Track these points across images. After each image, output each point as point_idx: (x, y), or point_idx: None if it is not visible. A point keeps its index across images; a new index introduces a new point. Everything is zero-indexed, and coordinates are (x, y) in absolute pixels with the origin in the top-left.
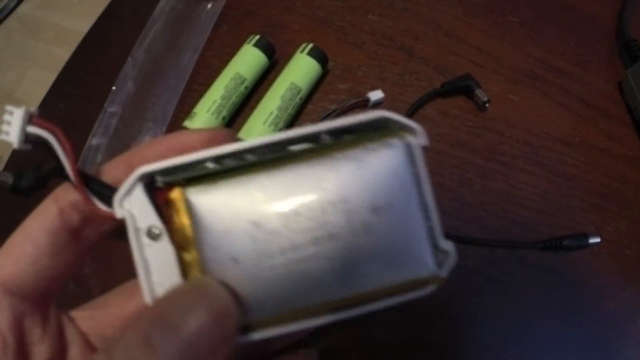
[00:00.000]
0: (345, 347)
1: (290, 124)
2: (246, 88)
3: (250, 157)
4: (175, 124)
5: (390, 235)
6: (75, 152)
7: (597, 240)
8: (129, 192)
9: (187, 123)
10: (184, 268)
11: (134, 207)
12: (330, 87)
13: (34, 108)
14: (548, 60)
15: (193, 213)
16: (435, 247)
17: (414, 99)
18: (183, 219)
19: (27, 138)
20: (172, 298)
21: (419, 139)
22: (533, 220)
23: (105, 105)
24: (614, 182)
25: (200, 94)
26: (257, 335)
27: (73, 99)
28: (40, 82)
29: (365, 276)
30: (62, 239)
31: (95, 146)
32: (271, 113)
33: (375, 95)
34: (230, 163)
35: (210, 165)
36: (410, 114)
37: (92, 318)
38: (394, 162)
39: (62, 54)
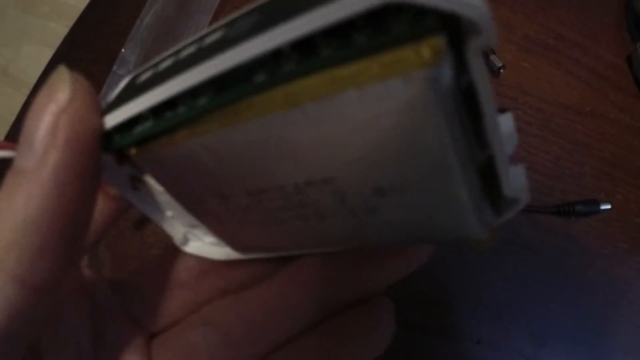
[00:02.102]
0: None
1: None
2: None
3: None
4: None
5: (410, 212)
6: None
7: (608, 207)
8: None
9: None
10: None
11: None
12: None
13: None
14: (559, 31)
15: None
16: (491, 200)
17: None
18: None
19: None
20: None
21: (479, 36)
22: (546, 185)
23: (114, 68)
24: (623, 152)
25: None
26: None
27: (81, 63)
28: (35, 57)
29: (378, 240)
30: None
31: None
32: None
33: None
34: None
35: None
36: None
37: None
38: (426, 115)
39: (58, 29)
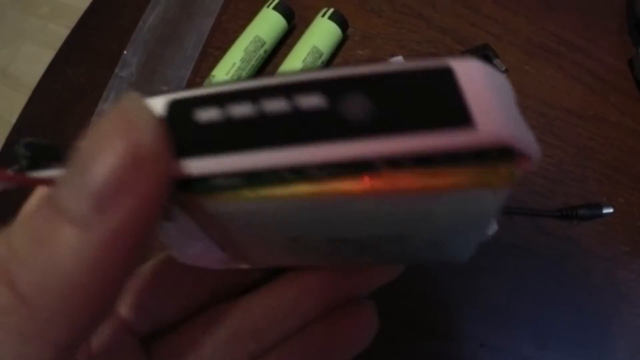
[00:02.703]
0: None
1: None
2: (265, 51)
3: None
4: None
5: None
6: (86, 116)
7: (610, 210)
8: None
9: None
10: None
11: None
12: (350, 53)
13: None
14: (561, 35)
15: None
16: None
17: None
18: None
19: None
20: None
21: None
22: (549, 189)
23: (117, 70)
24: (625, 156)
25: (216, 58)
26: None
27: (82, 65)
28: (34, 58)
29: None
30: None
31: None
32: None
33: (397, 61)
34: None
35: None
36: None
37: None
38: (486, 207)
39: (58, 30)
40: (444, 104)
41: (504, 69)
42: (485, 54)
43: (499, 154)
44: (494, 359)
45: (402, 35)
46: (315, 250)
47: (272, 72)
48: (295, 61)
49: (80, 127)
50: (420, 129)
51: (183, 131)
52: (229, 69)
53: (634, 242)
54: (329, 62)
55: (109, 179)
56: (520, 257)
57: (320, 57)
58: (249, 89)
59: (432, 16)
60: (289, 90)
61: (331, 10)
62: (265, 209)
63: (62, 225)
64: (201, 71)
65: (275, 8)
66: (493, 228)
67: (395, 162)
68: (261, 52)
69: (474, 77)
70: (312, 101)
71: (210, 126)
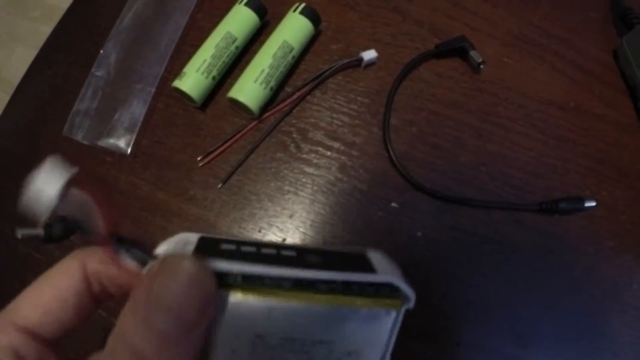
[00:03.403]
0: None
1: (282, 83)
2: (237, 47)
3: (267, 283)
4: (164, 86)
5: None
6: (63, 115)
7: (593, 204)
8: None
9: (177, 83)
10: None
11: None
12: (323, 48)
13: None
14: (543, 26)
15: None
16: None
17: (407, 60)
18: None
19: (67, 198)
20: (152, 277)
21: (409, 304)
22: (529, 182)
23: (93, 69)
24: (609, 148)
25: (190, 56)
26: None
27: (60, 65)
28: (27, 61)
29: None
30: (85, 301)
31: (83, 110)
32: (262, 71)
33: (369, 55)
34: (267, 281)
35: (239, 280)
36: (403, 75)
37: None
38: (384, 328)
39: (49, 32)
40: (361, 263)
41: (480, 60)
42: (461, 45)
43: (389, 290)
44: (471, 358)
45: (376, 29)
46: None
47: (243, 68)
48: (265, 56)
49: (59, 126)
50: (347, 270)
51: (208, 252)
52: (199, 65)
53: (618, 237)
54: (301, 57)
55: (193, 315)
56: (499, 253)
57: (290, 51)
58: (256, 242)
59: (408, 9)
60: (277, 247)
61: (303, 5)
62: (250, 303)
63: (165, 344)
64: (175, 68)
65: (247, 4)
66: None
67: (331, 283)
68: (232, 48)
69: (377, 256)
70: (289, 253)
71: (234, 252)
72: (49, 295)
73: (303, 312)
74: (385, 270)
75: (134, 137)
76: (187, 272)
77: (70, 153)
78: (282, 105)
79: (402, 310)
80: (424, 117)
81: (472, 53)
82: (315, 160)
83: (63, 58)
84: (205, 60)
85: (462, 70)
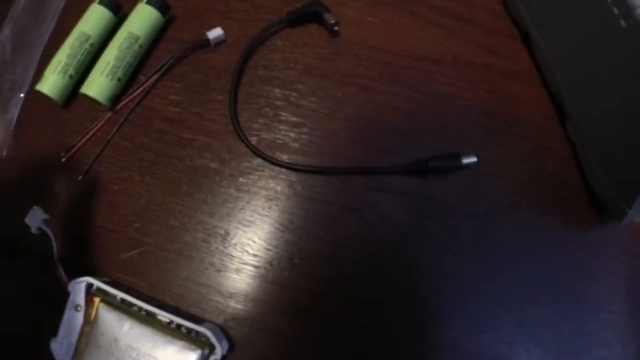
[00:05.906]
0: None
1: (132, 72)
2: (92, 45)
3: (134, 308)
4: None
5: None
6: None
7: (474, 159)
8: (79, 283)
9: (38, 86)
10: (82, 332)
11: (77, 291)
12: (174, 34)
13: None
14: None
15: (97, 314)
16: None
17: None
18: (92, 312)
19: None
20: None
21: (216, 355)
22: (396, 143)
23: None
24: (497, 98)
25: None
26: None
27: None
28: None
29: None
30: None
31: None
32: (109, 63)
33: (214, 33)
34: (126, 305)
35: (118, 300)
36: (253, 48)
37: None
38: (190, 358)
39: None
40: (195, 319)
41: (333, 21)
42: (313, 10)
43: (206, 339)
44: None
45: (229, 7)
46: None
47: (94, 63)
48: (111, 49)
49: None
50: (183, 318)
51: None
52: (56, 66)
53: (507, 195)
54: (150, 46)
55: None
56: (361, 220)
57: (136, 41)
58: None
59: None
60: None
61: None
62: (119, 316)
63: None
64: (40, 72)
65: (100, 3)
66: None
67: (170, 322)
68: (87, 46)
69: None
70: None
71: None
72: None
73: (147, 332)
74: (208, 327)
75: (9, 142)
76: None
77: None
78: (133, 94)
79: (206, 354)
80: (273, 88)
81: (326, 15)
82: (171, 145)
83: None
84: (61, 61)
85: (319, 35)
